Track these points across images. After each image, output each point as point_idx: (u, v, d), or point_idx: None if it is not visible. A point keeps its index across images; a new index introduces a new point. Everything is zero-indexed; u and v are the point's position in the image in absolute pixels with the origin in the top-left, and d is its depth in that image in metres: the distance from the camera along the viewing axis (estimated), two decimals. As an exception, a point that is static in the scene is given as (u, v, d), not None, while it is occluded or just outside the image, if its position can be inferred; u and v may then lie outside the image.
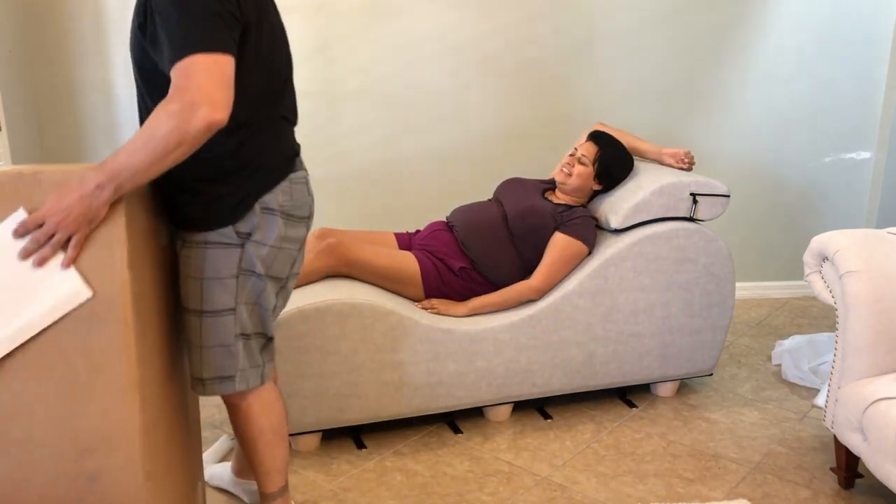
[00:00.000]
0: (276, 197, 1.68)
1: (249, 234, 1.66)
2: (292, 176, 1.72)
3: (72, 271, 1.43)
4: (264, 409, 1.81)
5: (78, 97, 3.23)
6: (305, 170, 1.80)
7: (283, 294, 1.81)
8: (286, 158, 1.73)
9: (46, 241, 1.42)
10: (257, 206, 1.65)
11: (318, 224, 2.74)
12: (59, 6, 3.13)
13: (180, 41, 1.44)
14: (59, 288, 1.43)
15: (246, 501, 2.18)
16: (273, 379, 1.98)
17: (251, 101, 1.62)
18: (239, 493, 2.19)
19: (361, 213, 3.46)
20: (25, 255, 1.42)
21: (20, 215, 1.43)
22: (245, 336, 1.73)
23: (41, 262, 1.43)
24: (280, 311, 1.85)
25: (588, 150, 2.71)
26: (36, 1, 3.11)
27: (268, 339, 1.78)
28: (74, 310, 1.44)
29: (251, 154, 1.64)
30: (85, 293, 1.44)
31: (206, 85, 1.42)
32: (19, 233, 1.42)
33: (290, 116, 1.78)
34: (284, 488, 1.92)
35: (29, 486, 1.48)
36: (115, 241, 1.44)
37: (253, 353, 1.75)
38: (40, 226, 1.41)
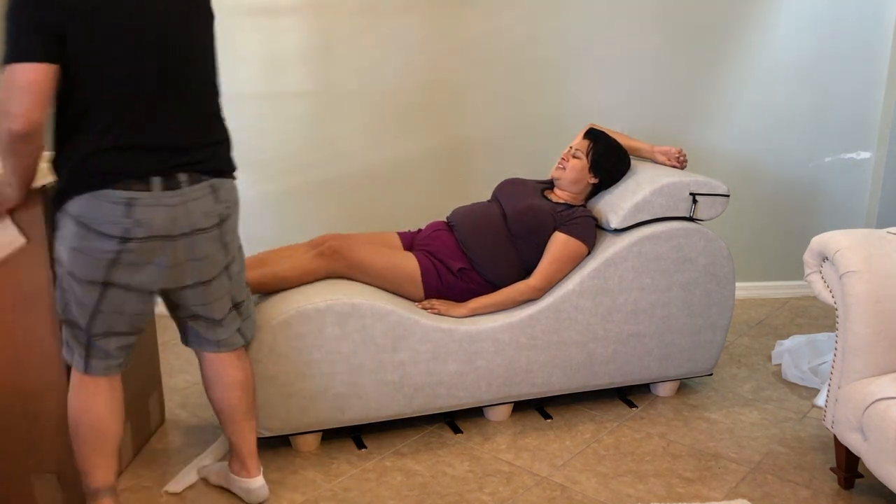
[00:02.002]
0: (74, 205, 1.75)
1: (55, 229, 1.83)
2: (100, 192, 1.72)
3: (10, 225, 1.87)
4: (77, 403, 1.92)
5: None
6: (155, 192, 1.76)
7: (112, 300, 1.82)
8: (98, 172, 1.72)
9: None
10: (63, 207, 1.78)
11: (318, 227, 2.74)
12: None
13: None
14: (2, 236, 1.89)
15: (244, 499, 2.18)
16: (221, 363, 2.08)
17: (55, 110, 1.74)
18: (237, 491, 2.19)
19: (362, 213, 3.47)
20: None
21: None
22: (59, 313, 1.89)
23: None
24: (129, 321, 1.88)
25: (581, 145, 2.73)
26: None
27: (78, 328, 1.86)
28: (11, 299, 1.93)
29: (61, 159, 1.77)
30: (21, 239, 1.88)
31: (4, 98, 1.61)
32: None
33: (118, 131, 1.73)
34: (98, 493, 1.95)
35: None
36: (38, 248, 1.91)
37: (67, 334, 1.90)
38: None
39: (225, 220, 1.92)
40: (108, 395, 1.93)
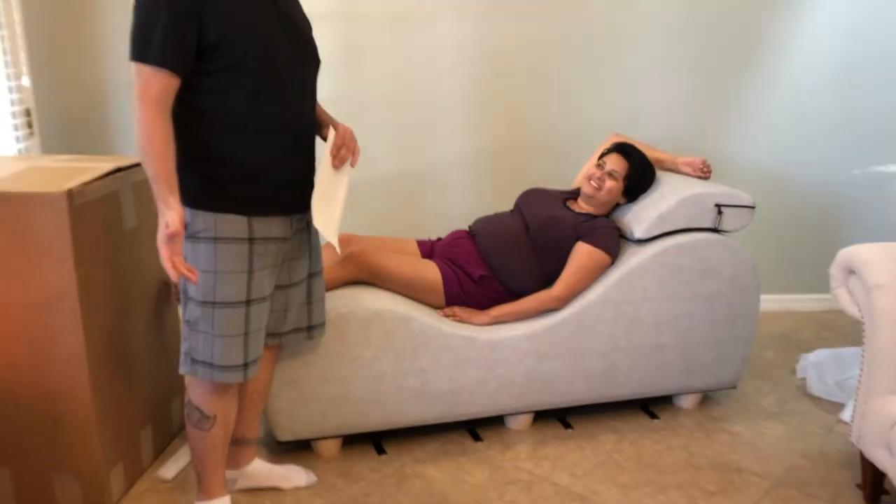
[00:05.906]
0: None
1: None
2: None
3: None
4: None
5: (109, 98, 3.27)
6: None
7: None
8: None
9: None
10: None
11: (340, 230, 2.76)
12: (89, 7, 3.18)
13: None
14: None
15: (284, 486, 2.28)
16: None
17: None
18: (278, 484, 2.29)
19: (384, 220, 3.48)
20: None
21: None
22: None
23: None
24: None
25: (618, 165, 2.68)
26: (67, 2, 3.16)
27: None
28: (36, 299, 1.95)
29: None
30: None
31: None
32: None
33: None
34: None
35: (17, 426, 2.05)
36: (64, 251, 1.92)
37: None
38: None
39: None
40: None
